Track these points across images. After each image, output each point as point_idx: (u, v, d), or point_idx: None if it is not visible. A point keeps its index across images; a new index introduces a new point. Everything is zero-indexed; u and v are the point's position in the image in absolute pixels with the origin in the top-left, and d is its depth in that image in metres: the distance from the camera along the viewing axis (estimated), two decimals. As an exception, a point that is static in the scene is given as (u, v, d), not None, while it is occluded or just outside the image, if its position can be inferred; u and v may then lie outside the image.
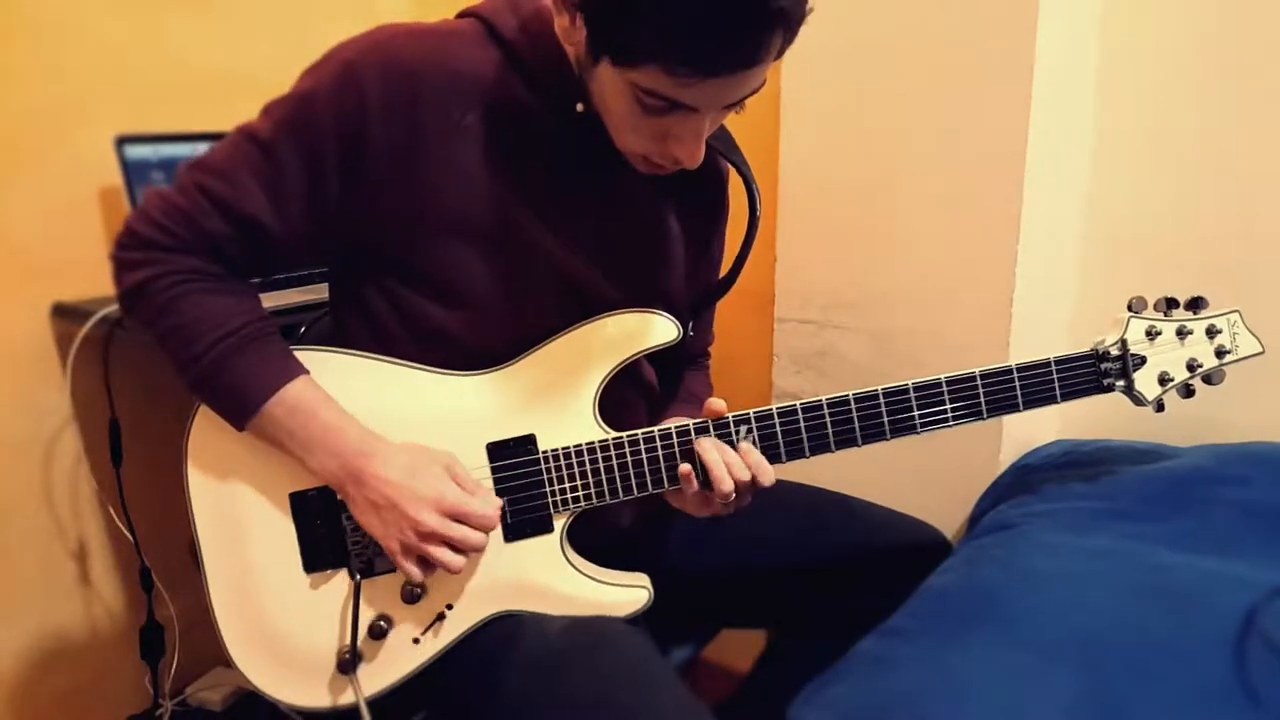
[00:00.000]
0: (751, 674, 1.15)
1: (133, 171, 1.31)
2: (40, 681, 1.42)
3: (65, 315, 1.35)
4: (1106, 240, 1.23)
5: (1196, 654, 0.76)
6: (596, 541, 0.90)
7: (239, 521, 0.86)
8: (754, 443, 0.86)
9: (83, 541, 1.44)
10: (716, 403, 0.86)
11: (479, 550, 0.81)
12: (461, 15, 0.86)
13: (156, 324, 0.82)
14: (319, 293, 1.27)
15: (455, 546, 0.80)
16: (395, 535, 0.80)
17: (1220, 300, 0.93)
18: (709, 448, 0.84)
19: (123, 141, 1.30)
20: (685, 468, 0.84)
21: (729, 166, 0.96)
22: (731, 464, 0.84)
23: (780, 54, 0.73)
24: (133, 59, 1.40)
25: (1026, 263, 1.12)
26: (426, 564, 0.81)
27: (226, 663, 0.86)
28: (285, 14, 1.56)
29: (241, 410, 0.82)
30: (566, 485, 0.86)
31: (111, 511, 1.43)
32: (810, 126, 1.26)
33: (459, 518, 0.80)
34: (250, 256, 0.84)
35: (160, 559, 1.45)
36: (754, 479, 0.84)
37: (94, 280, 1.38)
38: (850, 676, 0.83)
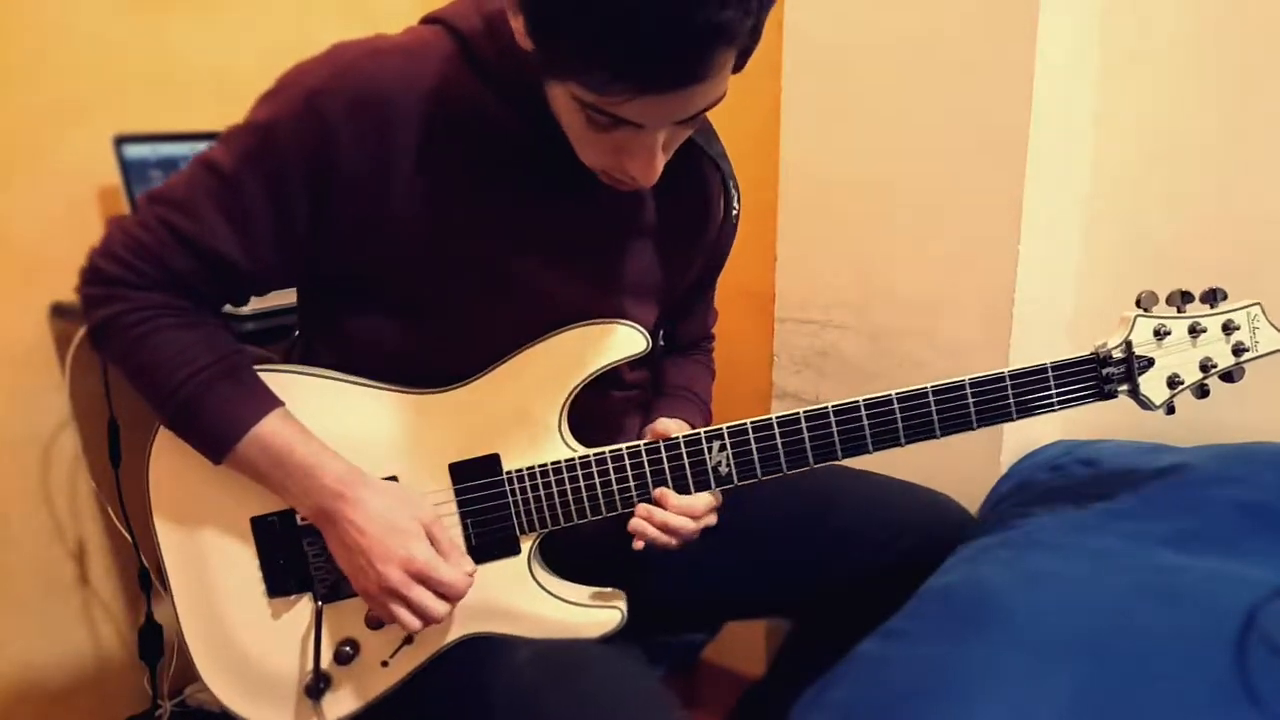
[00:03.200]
0: (772, 667, 1.13)
1: (131, 171, 1.30)
2: (39, 681, 1.42)
3: (64, 315, 1.34)
4: (1108, 240, 1.23)
5: (1197, 654, 0.76)
6: (581, 548, 0.88)
7: (202, 545, 0.85)
8: (728, 460, 0.84)
9: (81, 542, 1.44)
10: (663, 424, 0.86)
11: (437, 620, 0.79)
12: (427, 20, 0.82)
13: (126, 362, 0.81)
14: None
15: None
16: (361, 582, 0.79)
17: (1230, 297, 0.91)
18: (641, 529, 0.83)
19: (121, 141, 1.30)
20: (639, 545, 0.84)
21: (715, 172, 0.92)
22: (664, 524, 0.83)
23: (740, 65, 0.68)
24: (132, 58, 1.39)
25: (1027, 262, 1.12)
26: None
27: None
28: (284, 14, 1.56)
29: (216, 449, 0.80)
30: (531, 506, 0.84)
31: (110, 512, 1.43)
32: (810, 126, 1.26)
33: (425, 582, 0.78)
34: (217, 289, 0.82)
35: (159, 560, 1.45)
36: (699, 515, 0.84)
37: (92, 280, 1.38)
38: (852, 678, 0.83)
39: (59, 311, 1.35)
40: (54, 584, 1.42)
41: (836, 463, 1.02)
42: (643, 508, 0.84)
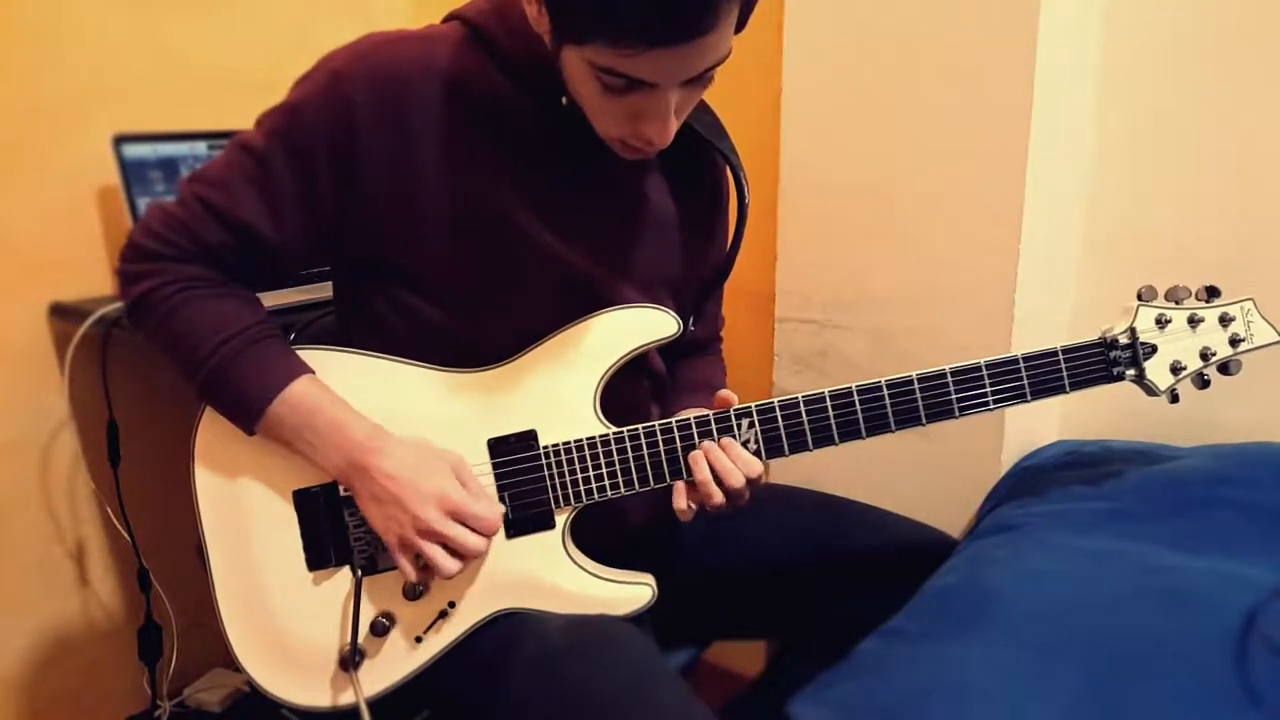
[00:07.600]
0: (760, 678, 1.15)
1: (131, 171, 1.30)
2: (38, 682, 1.42)
3: (63, 315, 1.34)
4: (1108, 240, 1.23)
5: (1197, 654, 0.76)
6: (604, 542, 0.90)
7: (244, 519, 0.86)
8: (756, 436, 0.86)
9: (81, 542, 1.44)
10: (726, 394, 0.87)
11: (476, 555, 0.81)
12: (446, 19, 0.87)
13: (161, 332, 0.83)
14: (317, 293, 1.27)
15: (452, 549, 0.80)
16: (394, 530, 0.80)
17: (1225, 294, 0.92)
18: (700, 466, 0.84)
19: (121, 141, 1.30)
20: (681, 505, 0.85)
21: (725, 165, 0.96)
22: (723, 473, 0.84)
23: (742, 24, 0.72)
24: (131, 58, 1.39)
25: (1028, 262, 1.12)
26: (423, 563, 0.81)
27: (225, 664, 0.86)
28: (284, 14, 1.56)
29: (247, 412, 0.82)
30: (567, 480, 0.86)
31: (109, 512, 1.43)
32: (810, 126, 1.26)
33: (460, 518, 0.80)
34: (250, 265, 0.85)
35: (158, 560, 1.45)
36: (748, 479, 0.84)
37: (92, 280, 1.38)
38: (851, 676, 0.83)
39: (58, 311, 1.35)
40: (53, 585, 1.42)
41: (841, 497, 1.06)
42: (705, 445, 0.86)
